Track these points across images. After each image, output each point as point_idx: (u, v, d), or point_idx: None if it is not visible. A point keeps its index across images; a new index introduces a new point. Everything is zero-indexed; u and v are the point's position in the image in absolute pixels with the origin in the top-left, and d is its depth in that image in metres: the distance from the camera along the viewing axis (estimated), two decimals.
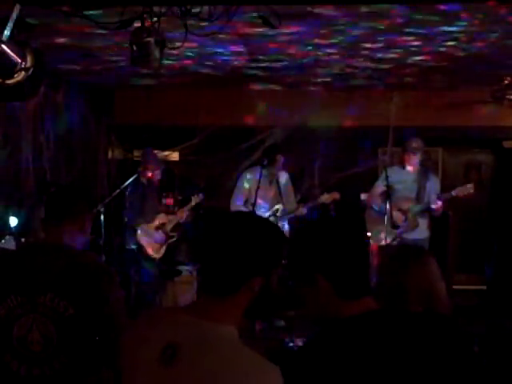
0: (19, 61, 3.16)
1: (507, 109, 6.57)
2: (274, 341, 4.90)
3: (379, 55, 5.31)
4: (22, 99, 3.77)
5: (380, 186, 5.78)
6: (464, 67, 5.80)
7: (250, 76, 6.42)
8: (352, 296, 1.60)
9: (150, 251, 6.01)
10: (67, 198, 2.53)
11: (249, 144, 7.26)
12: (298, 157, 6.92)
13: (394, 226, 5.64)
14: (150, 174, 6.04)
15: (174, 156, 7.81)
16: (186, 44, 3.62)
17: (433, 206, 5.57)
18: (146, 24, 3.26)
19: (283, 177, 6.21)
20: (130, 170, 6.59)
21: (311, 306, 1.65)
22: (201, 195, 6.36)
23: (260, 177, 5.81)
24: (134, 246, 6.04)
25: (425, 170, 5.88)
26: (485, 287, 7.36)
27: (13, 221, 5.22)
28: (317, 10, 3.94)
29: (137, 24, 3.31)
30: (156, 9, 3.25)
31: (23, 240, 4.98)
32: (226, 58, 5.53)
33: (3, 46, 3.02)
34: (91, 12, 3.55)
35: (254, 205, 5.74)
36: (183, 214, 6.29)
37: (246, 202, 6.06)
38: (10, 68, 3.15)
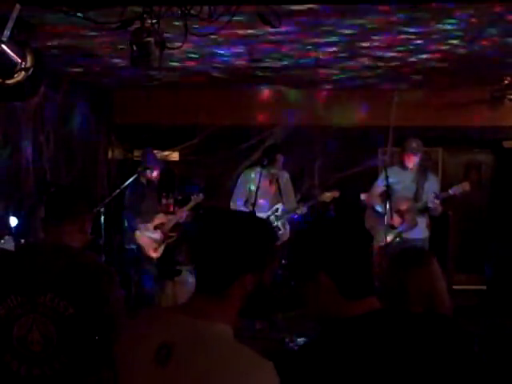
0: (19, 61, 3.15)
1: (507, 109, 6.57)
2: (273, 341, 4.90)
3: (379, 54, 5.32)
4: (22, 99, 3.77)
5: (380, 186, 5.79)
6: (464, 67, 5.81)
7: (249, 76, 6.43)
8: (355, 296, 1.59)
9: (148, 251, 6.01)
10: (67, 198, 2.53)
11: (249, 144, 7.26)
12: (298, 157, 6.92)
13: (393, 226, 5.65)
14: (154, 174, 6.05)
15: (174, 156, 7.81)
16: (186, 44, 3.62)
17: (430, 205, 5.58)
18: (146, 24, 3.26)
19: (283, 176, 6.22)
20: (129, 170, 6.59)
21: (314, 305, 1.64)
22: (201, 195, 6.36)
23: (260, 177, 5.82)
24: (132, 246, 6.05)
25: (423, 169, 5.89)
26: (485, 287, 7.35)
27: (13, 221, 5.22)
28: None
29: (136, 24, 3.32)
30: (156, 9, 3.25)
31: (22, 241, 4.98)
32: (225, 58, 5.53)
33: (3, 46, 3.02)
34: (91, 12, 3.55)
35: (254, 205, 5.75)
36: (183, 214, 6.29)
37: (246, 202, 6.06)
38: (10, 68, 3.15)
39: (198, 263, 1.58)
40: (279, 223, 6.13)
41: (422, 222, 5.76)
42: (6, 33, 2.97)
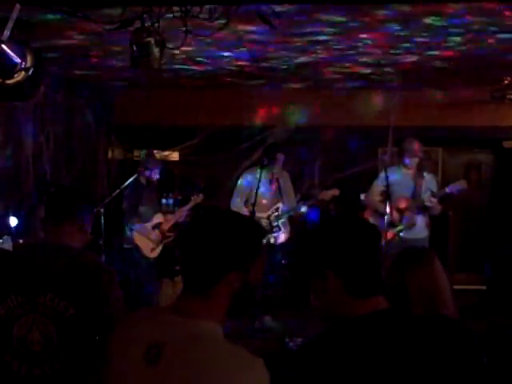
0: (19, 61, 3.16)
1: (507, 109, 6.57)
2: (273, 341, 4.90)
3: (379, 54, 5.31)
4: (22, 99, 3.77)
5: (379, 186, 5.79)
6: (464, 67, 5.80)
7: (250, 76, 6.42)
8: (362, 294, 1.59)
9: (145, 251, 6.01)
10: (67, 198, 2.53)
11: (249, 144, 7.26)
12: (298, 157, 6.92)
13: (393, 224, 5.65)
14: (153, 175, 6.06)
15: (174, 156, 7.81)
16: (186, 44, 3.62)
17: (428, 204, 5.59)
18: (146, 24, 3.26)
19: (283, 176, 6.22)
20: (129, 170, 6.59)
21: (321, 303, 1.64)
22: (201, 195, 6.36)
23: (260, 177, 5.82)
24: (130, 246, 6.05)
25: (421, 168, 5.90)
26: (485, 287, 7.35)
27: (13, 221, 5.22)
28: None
29: (137, 24, 3.32)
30: (156, 9, 3.25)
31: (21, 241, 4.98)
32: (225, 58, 5.53)
33: (3, 46, 3.02)
34: (91, 12, 3.55)
35: (254, 205, 5.74)
36: (182, 214, 6.29)
37: (246, 202, 6.07)
38: (10, 68, 3.15)
39: (183, 262, 1.58)
40: (279, 223, 6.13)
41: (422, 221, 5.77)
42: (6, 33, 2.98)
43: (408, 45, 4.93)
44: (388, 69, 5.93)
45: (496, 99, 6.28)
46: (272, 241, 6.06)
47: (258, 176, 5.84)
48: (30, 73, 3.19)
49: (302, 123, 7.19)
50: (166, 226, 6.16)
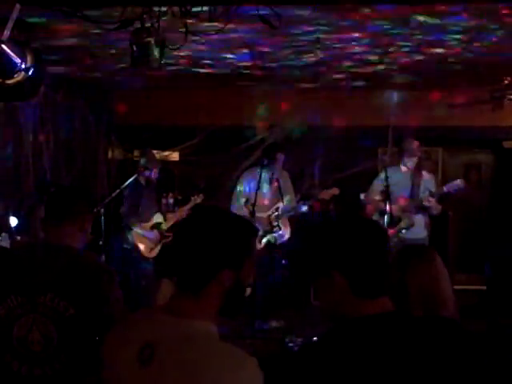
0: (19, 61, 3.15)
1: (507, 109, 6.57)
2: (273, 341, 4.90)
3: (378, 54, 5.31)
4: (22, 99, 3.76)
5: (378, 185, 5.80)
6: (464, 67, 5.80)
7: (250, 76, 6.42)
8: (368, 295, 1.58)
9: (143, 251, 6.01)
10: (67, 198, 2.53)
11: (249, 144, 7.26)
12: (298, 157, 6.92)
13: (394, 222, 5.65)
14: (152, 175, 6.05)
15: (174, 156, 7.81)
16: (186, 44, 3.62)
17: (426, 204, 5.59)
18: (146, 24, 3.26)
19: (283, 176, 6.22)
20: (129, 170, 6.59)
21: (325, 303, 1.64)
22: (201, 195, 6.36)
23: (260, 177, 5.82)
24: (129, 246, 6.04)
25: (420, 168, 5.91)
26: (485, 287, 7.35)
27: (13, 221, 5.22)
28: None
29: (137, 24, 3.31)
30: (156, 9, 3.25)
31: (19, 238, 4.98)
32: (226, 58, 5.53)
33: (3, 46, 3.02)
34: (91, 12, 3.55)
35: (254, 205, 5.74)
36: (182, 214, 6.28)
37: (246, 202, 6.06)
38: (10, 68, 3.15)
39: (175, 261, 1.58)
40: (279, 223, 6.13)
41: (421, 221, 5.77)
42: (6, 33, 2.97)
43: (408, 44, 4.94)
44: (388, 68, 5.93)
45: (496, 99, 6.28)
46: (272, 241, 6.06)
47: (257, 177, 5.84)
48: (30, 73, 3.19)
49: (302, 123, 7.18)
50: (165, 226, 6.16)
